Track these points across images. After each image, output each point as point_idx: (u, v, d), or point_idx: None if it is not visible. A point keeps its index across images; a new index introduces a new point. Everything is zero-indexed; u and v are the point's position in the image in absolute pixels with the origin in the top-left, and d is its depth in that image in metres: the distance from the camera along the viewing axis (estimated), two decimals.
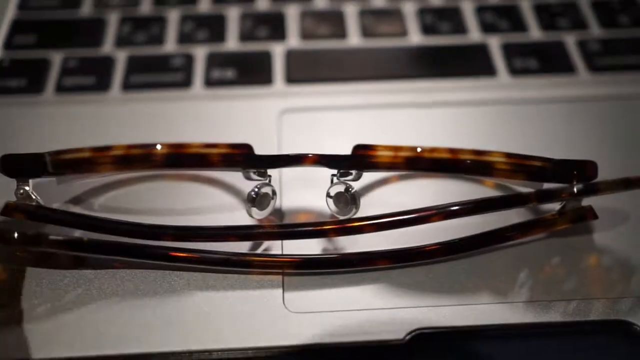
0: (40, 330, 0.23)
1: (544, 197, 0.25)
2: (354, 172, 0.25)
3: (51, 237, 0.24)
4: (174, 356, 0.23)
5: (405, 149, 0.25)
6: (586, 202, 0.26)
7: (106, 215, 0.25)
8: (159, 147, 0.25)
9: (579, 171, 0.25)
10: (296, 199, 0.28)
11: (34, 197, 0.25)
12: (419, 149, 0.26)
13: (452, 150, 0.26)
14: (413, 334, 0.24)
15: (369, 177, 0.27)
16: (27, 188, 0.25)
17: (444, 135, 0.31)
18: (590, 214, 0.26)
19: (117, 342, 0.23)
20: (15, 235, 0.23)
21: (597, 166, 0.25)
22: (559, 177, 0.25)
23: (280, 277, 0.25)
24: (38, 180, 0.25)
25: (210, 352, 0.23)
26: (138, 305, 0.24)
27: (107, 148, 0.25)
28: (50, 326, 0.23)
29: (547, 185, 0.26)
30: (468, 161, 0.26)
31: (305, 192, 0.27)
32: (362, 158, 0.25)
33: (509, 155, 0.26)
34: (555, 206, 0.26)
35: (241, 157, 0.25)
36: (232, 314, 0.24)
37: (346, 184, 0.25)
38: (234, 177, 0.27)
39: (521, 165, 0.26)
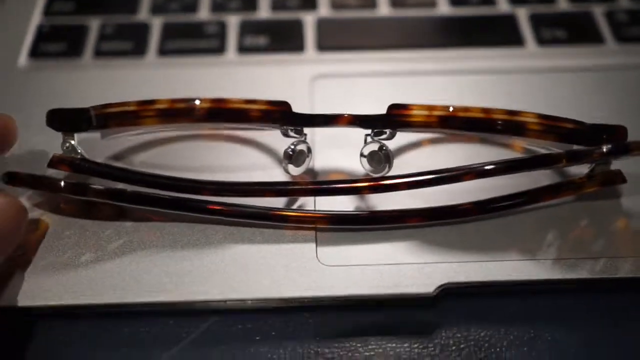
0: (84, 277, 0.24)
1: (574, 157, 0.25)
2: (388, 131, 0.26)
3: (95, 186, 0.25)
4: (210, 304, 0.24)
5: (438, 108, 0.26)
6: (615, 166, 0.26)
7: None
8: (199, 102, 0.26)
9: (609, 135, 0.26)
10: (329, 159, 0.28)
11: (79, 150, 0.26)
12: (451, 108, 0.26)
13: (485, 110, 0.26)
14: (442, 288, 0.24)
15: (401, 139, 0.28)
16: (72, 142, 0.26)
17: (471, 102, 0.31)
18: (619, 177, 0.26)
19: (157, 290, 0.24)
20: (62, 184, 0.25)
21: (627, 131, 0.26)
22: (589, 141, 0.26)
23: (313, 232, 0.26)
24: (83, 135, 0.26)
25: (244, 300, 0.24)
26: (177, 257, 0.25)
27: (151, 102, 0.26)
28: (93, 274, 0.25)
29: (577, 148, 0.26)
30: (501, 120, 0.26)
31: (338, 153, 0.28)
32: (396, 117, 0.26)
33: (541, 116, 0.26)
34: (584, 170, 0.27)
35: (279, 113, 0.26)
36: (267, 266, 0.25)
37: (380, 142, 0.26)
38: (270, 138, 0.29)
39: (553, 127, 0.26)
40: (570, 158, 0.25)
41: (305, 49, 0.34)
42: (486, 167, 0.25)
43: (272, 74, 0.32)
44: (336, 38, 0.34)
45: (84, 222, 0.26)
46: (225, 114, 0.26)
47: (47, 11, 0.35)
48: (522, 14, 0.35)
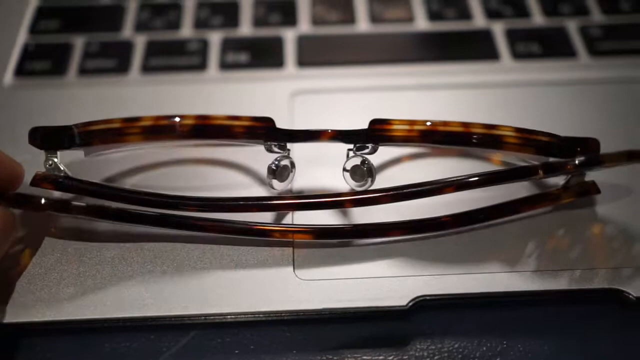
0: (66, 293, 0.25)
1: (550, 169, 0.26)
2: (370, 145, 0.26)
3: (77, 203, 0.25)
4: (190, 319, 0.25)
5: (419, 122, 0.26)
6: (589, 177, 0.27)
7: None
8: (183, 119, 0.26)
9: (582, 147, 0.26)
10: (312, 176, 0.29)
11: (62, 168, 0.26)
12: (431, 123, 0.26)
13: (464, 124, 0.27)
14: (416, 300, 0.25)
15: (382, 155, 0.28)
16: (55, 160, 0.26)
17: (449, 116, 0.31)
18: (593, 188, 0.27)
19: (137, 305, 0.25)
20: (43, 201, 0.25)
21: (599, 143, 0.27)
22: (563, 153, 0.26)
23: (291, 248, 0.26)
24: (66, 153, 0.27)
25: (224, 315, 0.25)
26: (157, 272, 0.26)
27: (134, 119, 0.26)
28: (74, 290, 0.25)
29: (552, 160, 0.27)
30: (479, 134, 0.26)
31: (321, 169, 0.29)
32: (378, 131, 0.26)
33: (517, 129, 0.27)
34: (560, 182, 0.27)
35: (263, 129, 0.26)
36: (245, 281, 0.25)
37: (362, 157, 0.26)
38: (252, 157, 0.29)
39: (529, 140, 0.27)
40: (546, 170, 0.26)
41: (285, 65, 0.34)
42: (466, 180, 0.26)
43: (253, 90, 0.33)
44: (316, 54, 0.35)
45: (66, 240, 0.27)
46: (209, 130, 0.26)
47: (33, 30, 0.36)
48: (498, 29, 0.36)
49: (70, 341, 0.25)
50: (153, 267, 0.26)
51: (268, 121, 0.26)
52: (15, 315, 0.24)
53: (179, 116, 0.26)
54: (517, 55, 0.34)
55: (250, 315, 0.25)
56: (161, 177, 0.29)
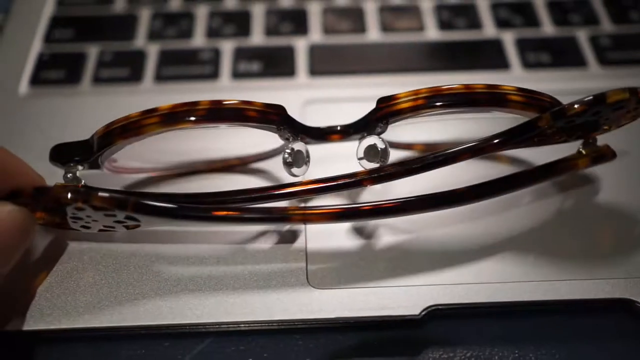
0: (82, 301, 0.25)
1: (558, 115, 0.25)
2: (379, 126, 0.26)
3: (99, 194, 0.24)
4: (204, 327, 0.25)
5: (423, 90, 0.26)
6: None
7: None
8: (199, 104, 0.26)
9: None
10: (325, 170, 0.28)
11: (81, 179, 0.27)
12: (434, 87, 0.26)
13: (467, 86, 0.26)
14: (428, 309, 0.25)
15: (393, 136, 0.28)
16: (74, 171, 0.26)
17: (459, 125, 0.32)
18: (608, 151, 0.27)
19: (153, 313, 0.25)
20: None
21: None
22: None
23: (304, 255, 0.27)
24: (85, 172, 0.27)
25: (238, 323, 0.25)
26: (172, 280, 0.26)
27: (152, 110, 0.26)
28: (91, 298, 0.25)
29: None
30: (483, 92, 0.26)
31: (334, 165, 0.28)
32: (385, 108, 0.26)
33: (521, 89, 0.26)
34: (573, 150, 0.28)
35: (277, 115, 0.26)
36: (259, 290, 0.26)
37: (374, 137, 0.26)
38: (268, 168, 0.30)
39: (532, 98, 0.26)
40: (554, 116, 0.25)
41: (297, 74, 0.35)
42: (480, 145, 0.26)
43: (265, 99, 0.32)
44: (327, 63, 0.35)
45: (83, 246, 0.27)
46: (223, 113, 0.26)
47: (47, 39, 0.36)
48: (508, 39, 0.36)
49: (86, 349, 0.25)
50: (168, 275, 0.26)
51: (280, 108, 0.26)
52: (32, 322, 0.25)
53: (193, 102, 0.26)
54: (527, 64, 0.35)
55: (264, 324, 0.25)
56: (177, 189, 0.29)
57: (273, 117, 0.26)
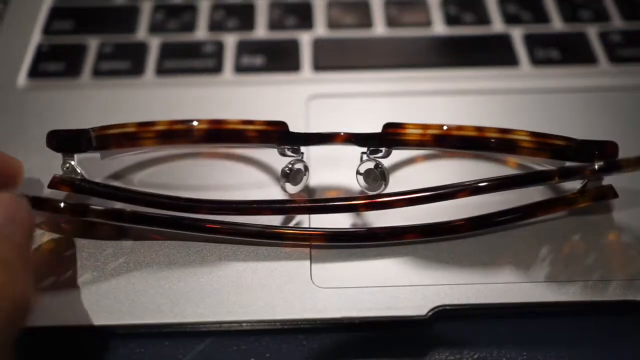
0: (82, 299, 0.25)
1: (566, 174, 0.26)
2: (383, 149, 0.26)
3: (94, 207, 0.25)
4: (206, 326, 0.25)
5: (433, 126, 0.26)
6: (607, 182, 0.27)
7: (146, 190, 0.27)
8: (197, 123, 0.26)
9: (600, 151, 0.26)
10: (325, 178, 0.29)
11: (78, 170, 0.26)
12: (445, 127, 0.26)
13: (478, 129, 0.26)
14: (435, 310, 0.25)
15: (396, 157, 0.28)
16: (72, 162, 0.26)
17: (466, 121, 0.31)
18: (611, 192, 0.27)
19: (152, 312, 0.24)
20: (62, 205, 0.25)
21: (617, 146, 0.26)
22: (580, 157, 0.26)
23: (307, 254, 0.26)
24: (82, 155, 0.27)
25: (240, 322, 0.24)
26: (172, 278, 0.25)
27: (149, 124, 0.26)
28: (90, 295, 0.25)
29: (569, 164, 0.26)
30: (493, 139, 0.26)
31: (334, 171, 0.29)
32: (391, 135, 0.26)
33: (532, 133, 0.26)
34: (577, 186, 0.27)
35: (276, 133, 0.26)
36: (261, 288, 0.25)
37: (376, 160, 0.26)
38: (266, 157, 0.29)
39: (545, 144, 0.26)
40: (562, 175, 0.26)
41: (301, 69, 0.34)
42: (480, 185, 0.26)
43: (268, 93, 0.33)
44: (332, 58, 0.35)
45: (82, 242, 0.26)
46: (222, 135, 0.26)
47: (47, 30, 0.36)
48: (517, 34, 0.35)
49: (85, 346, 0.25)
50: (169, 274, 0.26)
51: (281, 125, 0.26)
52: (30, 319, 0.24)
53: (192, 121, 0.26)
54: (536, 61, 0.34)
55: (266, 324, 0.25)
56: (175, 173, 0.29)
57: (273, 135, 0.26)
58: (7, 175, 0.25)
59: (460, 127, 0.26)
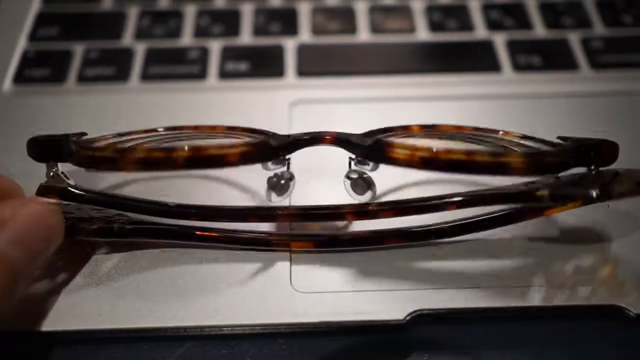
0: (60, 303, 0.25)
1: (560, 197, 0.25)
2: (371, 163, 0.26)
3: (84, 226, 0.26)
4: (185, 330, 0.25)
5: (421, 148, 0.24)
6: None
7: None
8: (177, 151, 0.25)
9: (596, 153, 0.25)
10: (310, 187, 0.29)
11: (65, 178, 0.26)
12: (434, 149, 0.24)
13: (468, 152, 0.24)
14: (413, 314, 0.25)
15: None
16: (56, 169, 0.26)
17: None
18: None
19: (132, 316, 0.24)
20: None
21: (617, 147, 0.25)
22: (577, 161, 0.25)
23: (288, 258, 0.26)
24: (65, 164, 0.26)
25: (220, 327, 0.25)
26: (152, 282, 0.25)
27: (129, 150, 0.25)
28: (69, 300, 0.25)
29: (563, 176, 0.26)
30: (484, 163, 0.24)
31: (319, 180, 0.29)
32: (382, 152, 0.25)
33: (525, 155, 0.25)
34: None
35: (258, 154, 0.25)
36: (242, 293, 0.25)
37: (364, 170, 0.26)
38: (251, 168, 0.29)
39: (540, 164, 0.25)
40: (554, 198, 0.25)
41: (285, 75, 0.34)
42: (469, 198, 0.25)
43: (252, 99, 0.33)
44: (316, 64, 0.35)
45: (60, 247, 0.26)
46: (202, 161, 0.25)
47: (33, 37, 0.36)
48: (500, 40, 0.36)
49: (63, 352, 0.24)
50: (149, 278, 0.26)
51: (262, 145, 0.25)
52: (10, 324, 0.24)
53: (173, 149, 0.25)
54: (518, 67, 0.34)
55: (246, 328, 0.25)
56: (162, 186, 0.29)
57: (254, 155, 0.25)
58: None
59: (449, 151, 0.24)
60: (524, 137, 0.27)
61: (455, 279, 0.26)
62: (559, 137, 0.26)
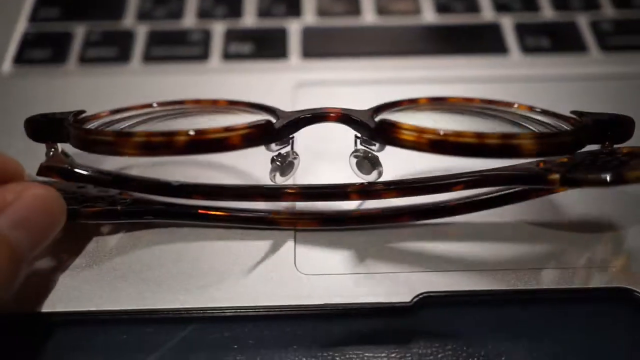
0: (62, 285, 0.25)
1: (572, 182, 0.23)
2: (377, 144, 0.25)
3: (87, 209, 0.25)
4: (189, 312, 0.24)
5: (429, 131, 0.23)
6: None
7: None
8: (177, 135, 0.24)
9: (614, 131, 0.25)
10: (314, 168, 0.28)
11: (62, 157, 0.26)
12: (442, 132, 0.23)
13: (478, 136, 0.23)
14: (419, 297, 0.24)
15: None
16: (55, 149, 0.26)
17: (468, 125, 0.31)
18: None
19: (134, 298, 0.24)
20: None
21: (634, 123, 0.25)
22: (594, 139, 0.25)
23: (292, 240, 0.26)
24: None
25: (223, 309, 0.24)
26: (155, 264, 0.25)
27: (128, 134, 0.24)
28: (71, 282, 0.25)
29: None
30: (494, 145, 0.24)
31: (323, 161, 0.28)
32: (388, 133, 0.24)
33: (538, 136, 0.24)
34: None
35: (262, 136, 0.24)
36: (245, 275, 0.25)
37: (370, 149, 0.25)
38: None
39: (552, 144, 0.24)
40: (566, 183, 0.23)
41: (289, 56, 0.34)
42: (475, 179, 0.25)
43: (255, 81, 0.33)
44: (321, 46, 0.34)
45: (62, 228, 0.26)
46: (204, 145, 0.24)
47: (33, 17, 0.36)
48: (507, 23, 0.35)
49: (65, 333, 0.24)
50: (151, 260, 0.25)
51: (266, 126, 0.24)
52: (9, 306, 0.24)
53: (173, 133, 0.24)
54: (526, 49, 0.34)
55: (250, 310, 0.24)
56: (166, 168, 0.28)
57: (258, 137, 0.24)
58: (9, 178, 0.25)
59: (459, 134, 0.23)
60: (539, 111, 0.26)
61: (463, 261, 0.25)
62: (572, 112, 0.26)
